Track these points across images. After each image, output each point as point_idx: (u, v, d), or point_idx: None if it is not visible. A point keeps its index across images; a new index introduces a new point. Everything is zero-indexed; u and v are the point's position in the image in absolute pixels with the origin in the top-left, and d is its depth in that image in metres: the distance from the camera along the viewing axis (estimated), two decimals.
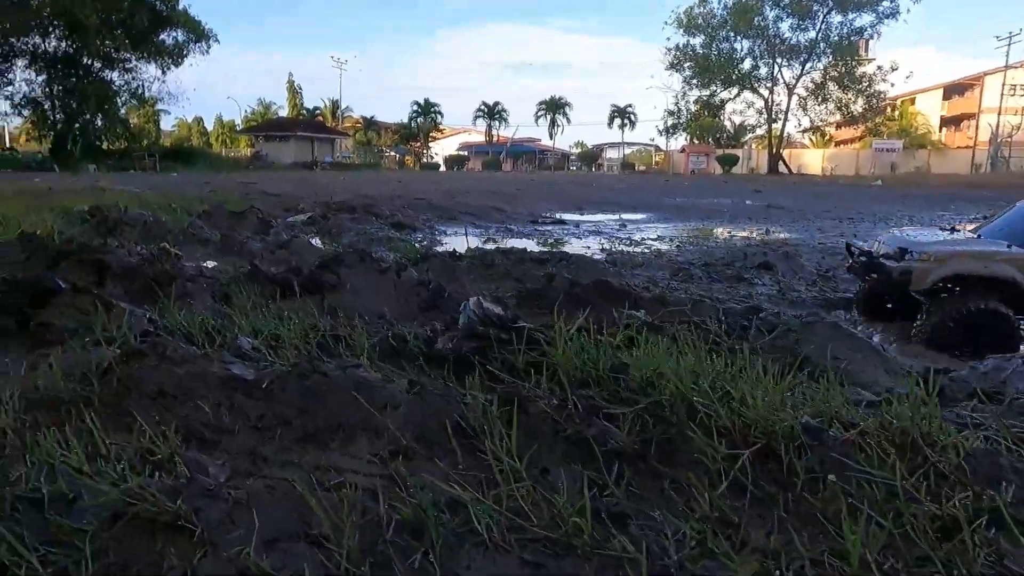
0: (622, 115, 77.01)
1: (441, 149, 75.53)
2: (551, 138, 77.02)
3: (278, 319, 4.03)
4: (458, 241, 10.43)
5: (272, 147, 55.23)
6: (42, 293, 3.68)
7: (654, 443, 2.25)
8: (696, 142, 71.82)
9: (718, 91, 67.02)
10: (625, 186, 30.36)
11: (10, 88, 41.30)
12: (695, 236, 12.16)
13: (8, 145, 47.93)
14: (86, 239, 7.24)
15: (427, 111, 70.48)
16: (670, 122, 69.45)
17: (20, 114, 43.34)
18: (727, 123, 72.24)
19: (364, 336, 3.47)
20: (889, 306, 6.25)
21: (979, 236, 6.23)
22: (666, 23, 65.11)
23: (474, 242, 9.92)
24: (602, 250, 9.56)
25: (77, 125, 42.10)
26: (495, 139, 74.82)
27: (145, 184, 20.54)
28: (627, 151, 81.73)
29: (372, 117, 71.98)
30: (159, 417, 2.78)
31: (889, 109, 66.46)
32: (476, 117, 73.62)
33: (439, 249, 8.88)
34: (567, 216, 14.85)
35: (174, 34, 44.12)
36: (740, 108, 67.77)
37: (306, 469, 2.33)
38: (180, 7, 43.17)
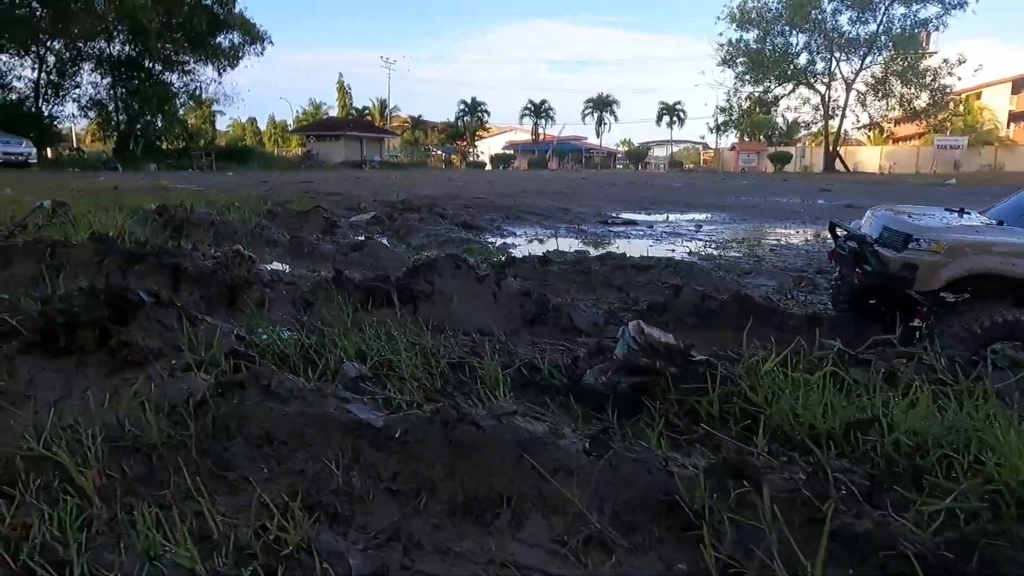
0: (671, 112, 75.41)
1: (487, 148, 75.26)
2: (598, 136, 75.96)
3: (384, 338, 3.50)
4: (528, 242, 9.85)
5: (323, 146, 55.84)
6: (124, 306, 3.25)
7: (976, 551, 1.59)
8: (747, 139, 69.90)
9: (772, 87, 64.94)
10: (682, 185, 29.34)
11: (78, 91, 42.60)
12: (782, 238, 11.29)
13: (76, 145, 49.49)
14: (156, 240, 6.92)
15: (474, 110, 70.26)
16: (721, 119, 67.66)
17: (87, 116, 44.70)
18: (780, 120, 70.10)
19: (496, 366, 2.89)
20: (875, 303, 4.97)
21: (1000, 223, 4.84)
22: (718, 18, 63.43)
23: (558, 245, 9.31)
24: (690, 253, 8.83)
25: (139, 126, 43.22)
26: (541, 138, 74.17)
27: (205, 183, 20.64)
28: (674, 149, 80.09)
29: (419, 116, 72.21)
30: (268, 471, 2.26)
31: (954, 104, 63.24)
32: (523, 116, 73.12)
33: (517, 252, 8.32)
34: (635, 216, 14.12)
35: (230, 36, 44.78)
36: (795, 104, 65.59)
37: (474, 562, 1.76)
38: (236, 10, 43.79)
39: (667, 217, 14.51)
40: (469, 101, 69.56)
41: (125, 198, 11.78)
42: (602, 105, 73.25)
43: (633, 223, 12.77)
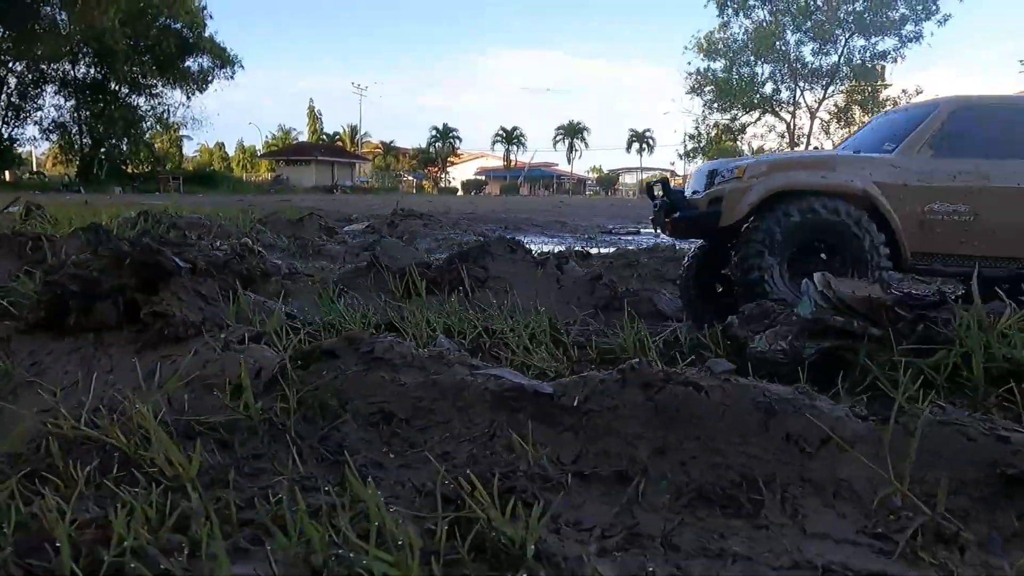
0: (640, 139, 76.69)
1: (459, 174, 75.25)
2: (569, 163, 76.66)
3: (460, 317, 2.93)
4: (543, 245, 9.38)
5: (292, 171, 54.94)
6: (152, 274, 2.62)
7: None
8: None
9: (739, 115, 66.51)
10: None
11: (39, 113, 41.19)
12: None
13: (36, 169, 47.72)
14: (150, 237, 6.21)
15: (445, 136, 70.26)
16: (690, 145, 68.98)
17: (48, 139, 43.20)
18: (746, 147, 71.91)
19: (632, 335, 2.33)
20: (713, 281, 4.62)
21: (857, 151, 4.63)
22: (686, 48, 64.70)
23: (576, 246, 8.82)
24: None
25: (103, 149, 41.91)
26: (513, 164, 74.49)
27: (177, 203, 19.71)
28: (644, 175, 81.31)
29: (391, 142, 71.83)
30: (396, 455, 1.66)
31: None
32: (494, 142, 73.46)
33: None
34: (634, 227, 13.77)
35: (200, 60, 44.10)
36: (761, 132, 67.18)
37: (766, 565, 1.19)
38: (207, 34, 43.16)
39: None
40: (441, 127, 69.60)
41: (101, 209, 10.95)
42: (573, 132, 74.05)
43: (637, 232, 12.40)
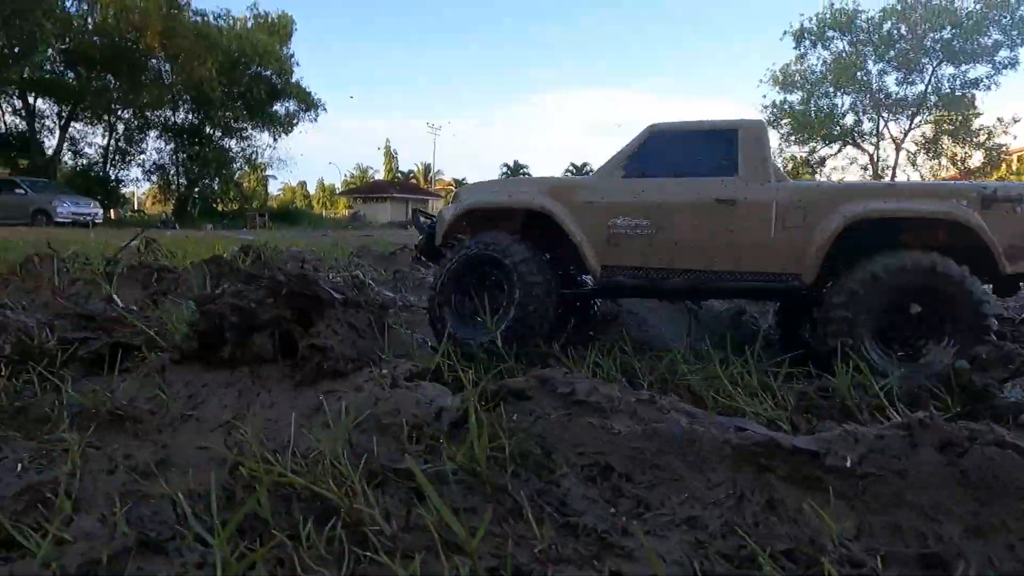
0: None
1: None
2: None
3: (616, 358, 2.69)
4: None
5: (369, 208, 56.91)
6: (306, 305, 2.53)
7: None
8: None
9: (818, 147, 64.44)
10: None
11: (142, 156, 44.37)
12: None
13: (137, 207, 51.22)
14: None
15: (516, 172, 71.14)
16: None
17: (149, 179, 46.41)
18: (826, 181, 69.55)
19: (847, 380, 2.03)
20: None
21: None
22: (761, 81, 63.61)
23: None
24: None
25: (197, 188, 44.55)
26: None
27: (267, 237, 20.51)
28: None
29: (463, 179, 73.33)
30: (641, 524, 1.43)
31: (1015, 162, 61.75)
32: None
33: None
34: None
35: (287, 104, 46.45)
36: (842, 164, 64.73)
37: None
38: (294, 79, 45.51)
39: None
40: (512, 164, 70.57)
41: (204, 243, 11.43)
42: None
43: None
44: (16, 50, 32.24)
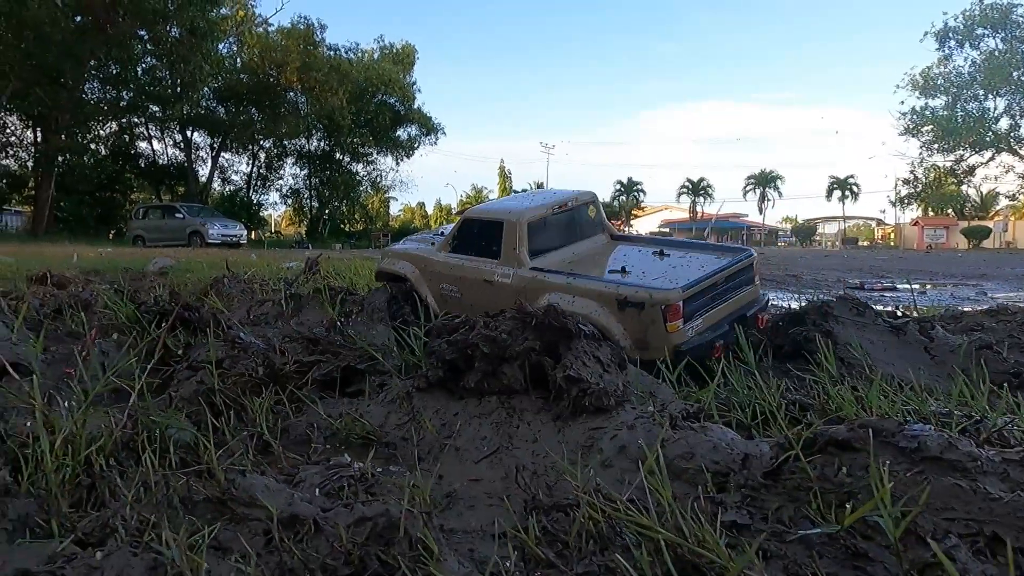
0: (842, 187, 70.84)
1: (642, 226, 74.77)
2: (760, 213, 72.77)
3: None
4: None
5: None
6: (555, 337, 2.50)
7: None
8: (931, 213, 63.61)
9: (966, 156, 58.78)
10: (888, 258, 26.22)
11: (280, 181, 48.10)
12: None
13: (275, 229, 55.47)
14: None
15: (630, 190, 70.44)
16: (904, 192, 62.13)
17: (285, 203, 50.22)
18: (973, 191, 63.20)
19: None
20: None
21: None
22: (898, 86, 59.19)
23: None
24: None
25: (327, 210, 47.53)
26: (699, 215, 72.40)
27: None
28: (846, 225, 74.86)
29: None
30: None
31: None
32: (680, 194, 72.12)
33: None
34: (888, 282, 12.20)
35: (409, 129, 48.68)
36: (996, 173, 58.54)
37: None
38: (416, 105, 47.65)
39: (923, 285, 12.42)
40: (625, 181, 69.91)
41: (348, 264, 12.06)
42: (764, 181, 70.44)
43: (893, 288, 10.95)
44: (179, 90, 36.02)
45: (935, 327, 3.80)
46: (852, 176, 69.42)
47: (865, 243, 69.05)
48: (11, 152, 38.65)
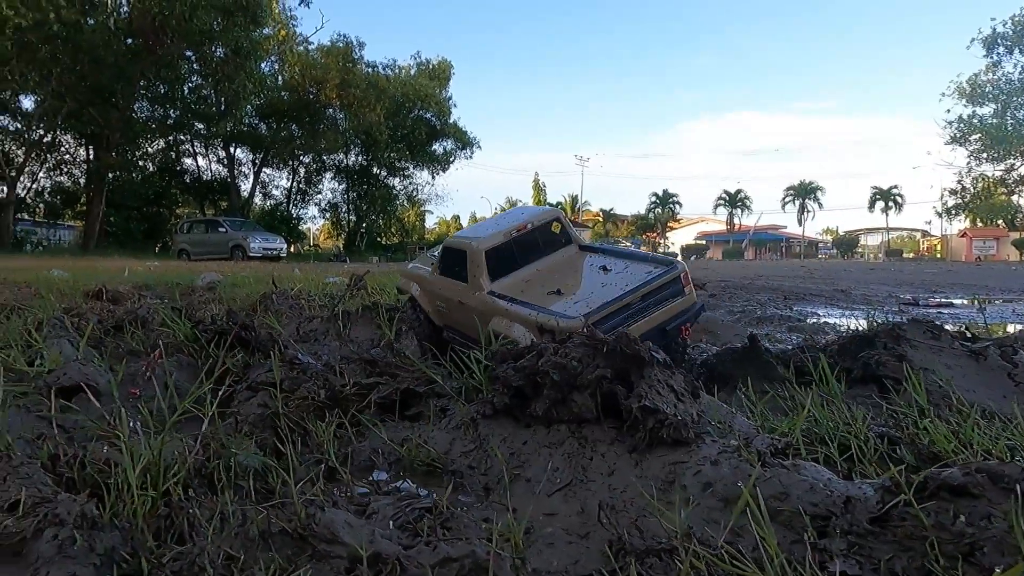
0: (886, 197, 69.18)
1: (677, 239, 74.08)
2: (800, 224, 71.39)
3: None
4: (855, 321, 8.23)
5: None
6: (627, 364, 2.42)
7: None
8: (980, 224, 61.55)
9: (1016, 165, 56.82)
10: (936, 271, 25.36)
11: (319, 196, 49.00)
12: None
13: (313, 243, 56.47)
14: None
15: (665, 202, 69.86)
16: (952, 202, 60.25)
17: (323, 216, 51.13)
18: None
19: None
20: None
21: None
22: (944, 94, 57.59)
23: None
24: None
25: (364, 224, 48.20)
26: (737, 227, 71.40)
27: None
28: (892, 236, 72.99)
29: (611, 209, 73.21)
30: None
31: None
32: (716, 206, 71.29)
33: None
34: (943, 297, 11.76)
35: (444, 144, 49.16)
36: None
37: None
38: (452, 120, 48.13)
39: (980, 300, 11.93)
40: (660, 193, 69.36)
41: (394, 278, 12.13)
42: (804, 192, 69.13)
43: (950, 304, 10.54)
44: (223, 108, 37.09)
45: (1017, 351, 3.60)
46: (895, 187, 67.72)
47: (910, 255, 67.20)
48: (65, 169, 40.26)
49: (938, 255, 62.49)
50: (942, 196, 59.56)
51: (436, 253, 6.72)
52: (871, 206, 69.13)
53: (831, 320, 8.15)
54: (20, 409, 2.82)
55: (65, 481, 1.96)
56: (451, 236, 6.60)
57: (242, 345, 3.96)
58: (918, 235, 77.23)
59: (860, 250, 72.83)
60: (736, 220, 71.43)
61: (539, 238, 5.62)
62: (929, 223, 69.50)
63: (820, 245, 77.89)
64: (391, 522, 1.93)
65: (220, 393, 2.97)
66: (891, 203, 68.48)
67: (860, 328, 4.74)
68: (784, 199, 70.41)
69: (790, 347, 5.74)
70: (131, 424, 2.55)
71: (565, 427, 2.40)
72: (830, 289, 12.90)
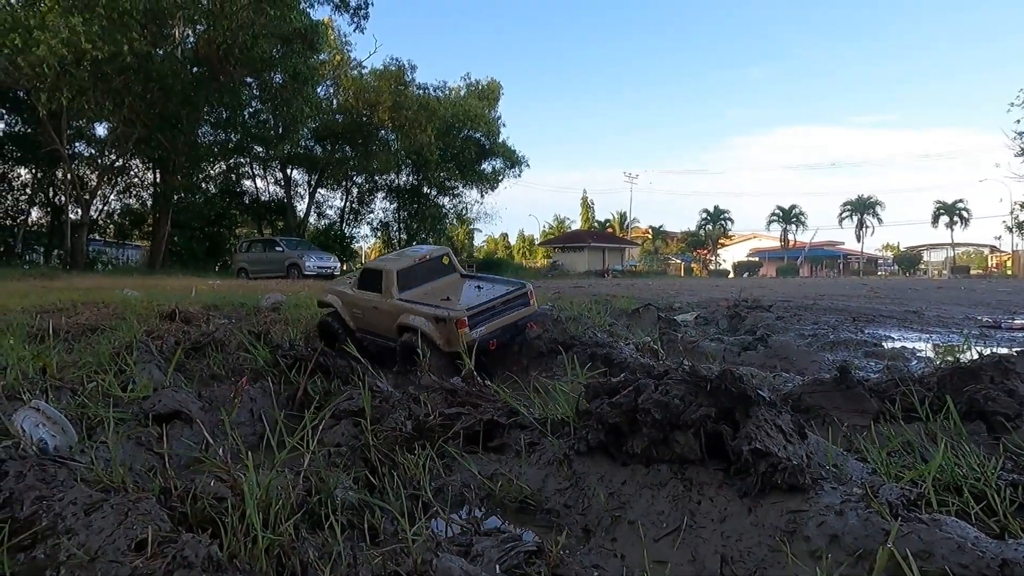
0: (950, 212, 66.35)
1: (729, 255, 72.63)
2: (858, 240, 69.06)
3: None
4: (934, 347, 7.84)
5: (566, 257, 58.25)
6: (731, 403, 2.33)
7: None
8: None
9: None
10: (1011, 290, 24.04)
11: (371, 215, 50.05)
12: None
13: (364, 261, 57.75)
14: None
15: (716, 218, 68.64)
16: (1023, 216, 57.40)
17: (375, 235, 52.20)
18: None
19: None
20: None
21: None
22: (1012, 104, 55.08)
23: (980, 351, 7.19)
24: None
25: (414, 242, 48.99)
26: (791, 244, 69.55)
27: None
28: (958, 252, 69.85)
29: (660, 226, 72.39)
30: None
31: None
32: (770, 222, 69.68)
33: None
34: (1018, 320, 11.10)
35: (493, 163, 49.59)
36: None
37: None
38: (501, 139, 48.56)
39: None
40: (712, 209, 68.23)
41: None
42: (862, 207, 66.94)
43: None
44: (281, 131, 38.34)
45: None
46: (960, 200, 64.90)
47: (977, 272, 64.10)
48: (133, 192, 42.27)
49: (1008, 272, 59.42)
50: (1012, 210, 56.78)
51: (353, 275, 8.69)
52: (934, 221, 66.39)
53: (908, 344, 7.76)
54: (120, 435, 2.90)
55: (178, 516, 1.99)
56: (368, 262, 8.14)
57: (321, 371, 4.01)
58: (986, 251, 73.79)
59: (923, 267, 69.99)
60: (790, 236, 69.66)
61: (433, 266, 7.63)
62: (999, 238, 66.20)
63: (880, 262, 75.20)
64: (497, 566, 1.88)
65: (313, 424, 2.99)
66: (956, 218, 65.69)
67: (958, 358, 4.48)
68: (841, 214, 68.32)
69: (872, 375, 5.48)
70: (224, 451, 2.59)
71: (666, 467, 2.31)
72: (900, 310, 12.34)
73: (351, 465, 2.70)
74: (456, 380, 3.63)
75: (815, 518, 1.88)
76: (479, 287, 7.22)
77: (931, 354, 6.88)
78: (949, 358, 5.23)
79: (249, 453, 2.62)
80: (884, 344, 7.75)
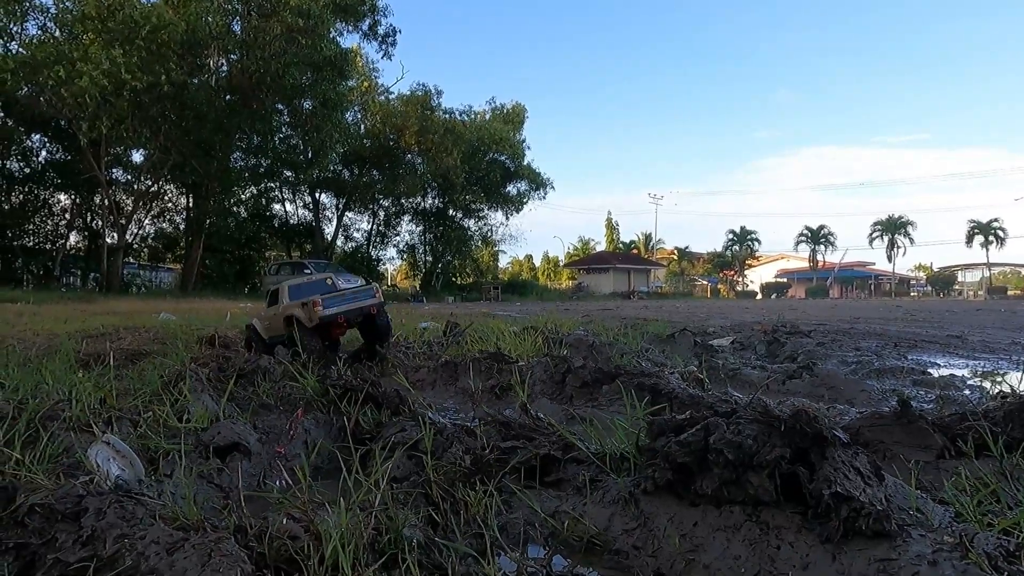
0: (985, 231, 65.00)
1: (757, 276, 71.79)
2: (889, 260, 67.84)
3: None
4: (984, 375, 7.62)
5: (591, 279, 58.03)
6: (804, 443, 2.28)
7: None
8: None
9: None
10: None
11: (397, 238, 50.58)
12: None
13: (391, 283, 58.16)
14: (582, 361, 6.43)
15: (743, 239, 68.05)
16: None
17: (401, 258, 52.70)
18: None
19: None
20: None
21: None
22: None
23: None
24: None
25: (440, 265, 49.24)
26: (820, 264, 68.55)
27: (509, 311, 21.61)
28: (993, 272, 68.27)
29: (686, 247, 71.94)
30: None
31: None
32: (798, 242, 68.87)
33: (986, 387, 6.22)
34: None
35: (518, 185, 49.91)
36: None
37: None
38: (526, 162, 48.91)
39: None
40: (738, 230, 67.69)
41: (478, 319, 12.24)
42: (893, 227, 65.87)
43: None
44: (310, 157, 39.13)
45: None
46: (996, 219, 63.55)
47: (1015, 292, 62.47)
48: (167, 216, 43.34)
49: None
50: None
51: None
52: (968, 240, 65.10)
53: (958, 372, 7.54)
54: (187, 469, 2.94)
55: (255, 557, 2.00)
56: (272, 287, 10.03)
57: (372, 401, 4.03)
58: (1022, 270, 72.08)
59: (958, 287, 68.44)
60: (819, 257, 68.70)
61: (316, 285, 9.12)
62: None
63: (912, 282, 73.76)
64: None
65: (380, 460, 2.99)
66: (991, 237, 64.31)
67: (1015, 389, 4.33)
68: (872, 234, 67.32)
69: (925, 405, 5.34)
70: (287, 484, 2.59)
71: (739, 509, 2.27)
72: (942, 335, 12.03)
73: (413, 501, 2.69)
74: (510, 411, 3.62)
75: (906, 568, 1.82)
76: (342, 291, 9.13)
77: (984, 383, 6.67)
78: (1006, 388, 5.07)
79: (303, 481, 2.62)
80: (931, 371, 7.54)
